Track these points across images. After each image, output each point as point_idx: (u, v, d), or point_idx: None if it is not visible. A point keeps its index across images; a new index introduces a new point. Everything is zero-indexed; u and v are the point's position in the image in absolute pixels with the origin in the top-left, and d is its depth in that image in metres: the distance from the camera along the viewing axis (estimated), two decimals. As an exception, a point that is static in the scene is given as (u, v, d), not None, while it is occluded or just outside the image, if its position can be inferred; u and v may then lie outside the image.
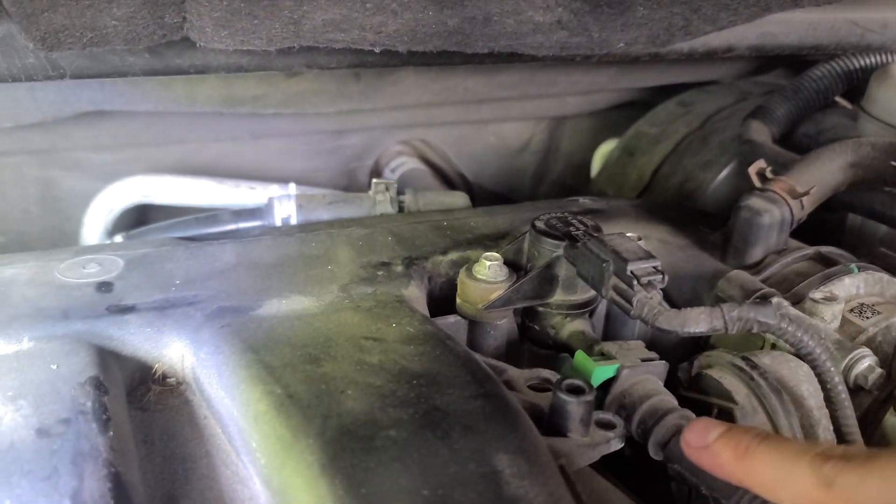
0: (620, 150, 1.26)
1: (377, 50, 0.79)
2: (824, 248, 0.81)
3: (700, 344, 0.76)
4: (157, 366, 0.63)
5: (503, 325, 0.72)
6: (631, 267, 0.62)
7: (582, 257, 0.66)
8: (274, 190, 1.11)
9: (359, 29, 0.75)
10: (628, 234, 0.68)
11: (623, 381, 0.62)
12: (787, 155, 0.93)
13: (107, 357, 0.60)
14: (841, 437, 0.63)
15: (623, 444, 0.58)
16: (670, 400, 0.62)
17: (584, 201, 0.95)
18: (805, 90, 1.06)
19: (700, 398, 0.66)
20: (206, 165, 1.19)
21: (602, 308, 0.76)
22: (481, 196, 1.38)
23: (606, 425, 0.58)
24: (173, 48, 0.77)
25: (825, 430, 0.63)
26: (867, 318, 0.72)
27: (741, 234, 0.79)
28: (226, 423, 0.58)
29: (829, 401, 0.63)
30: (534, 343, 0.73)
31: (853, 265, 0.77)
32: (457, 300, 0.71)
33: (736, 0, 0.85)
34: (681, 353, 0.72)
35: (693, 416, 0.60)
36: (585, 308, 0.71)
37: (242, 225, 0.96)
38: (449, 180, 1.33)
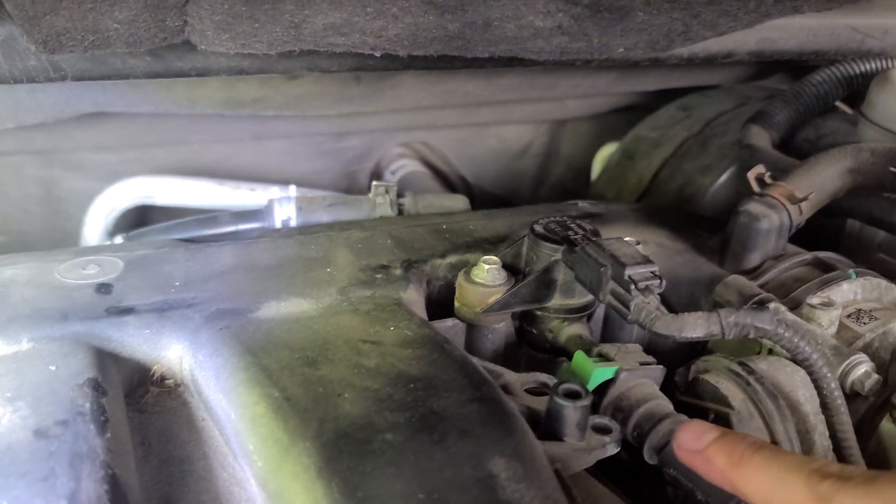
0: (620, 153, 1.26)
1: (378, 54, 0.79)
2: (822, 254, 0.81)
3: (697, 348, 0.76)
4: (155, 367, 0.63)
5: (501, 328, 0.72)
6: (628, 271, 0.62)
7: (580, 261, 0.66)
8: (274, 192, 1.11)
9: (359, 33, 0.75)
10: (626, 239, 0.68)
11: (621, 383, 0.62)
12: (786, 160, 0.93)
13: (105, 359, 0.60)
14: (837, 443, 0.63)
15: (619, 449, 0.58)
16: (667, 405, 0.62)
17: (584, 205, 0.95)
18: (805, 95, 1.06)
19: (696, 403, 0.67)
20: (207, 167, 1.19)
21: (600, 312, 0.76)
22: (482, 199, 1.38)
23: (603, 430, 0.58)
24: (174, 51, 0.77)
25: (821, 435, 0.63)
26: (864, 323, 0.72)
27: (739, 238, 0.80)
28: (223, 425, 0.58)
29: (826, 406, 0.63)
30: (532, 347, 0.73)
31: (851, 271, 0.77)
32: (455, 303, 0.71)
33: (736, 6, 0.85)
34: (678, 358, 0.72)
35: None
36: (583, 312, 0.72)
37: (242, 227, 0.96)
38: (450, 183, 1.33)
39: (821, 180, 0.82)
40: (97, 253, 0.73)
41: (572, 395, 0.55)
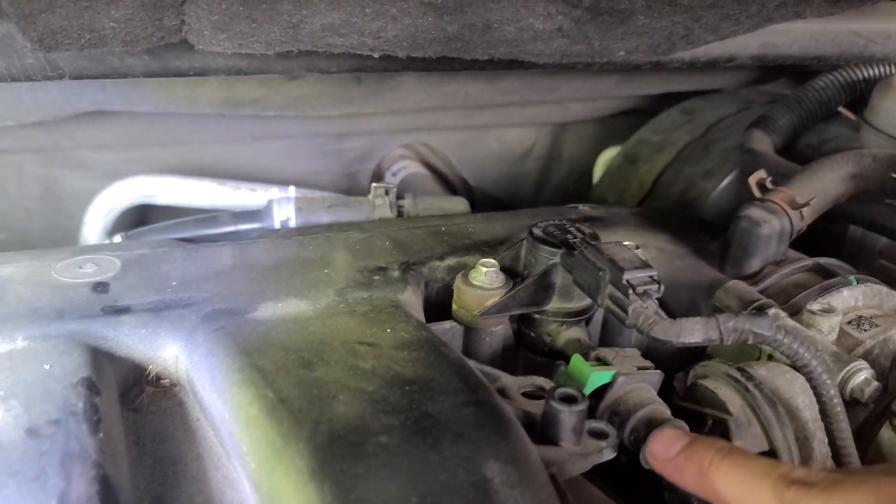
0: (622, 157, 1.26)
1: (376, 55, 0.79)
2: (823, 260, 0.80)
3: (696, 354, 0.75)
4: (151, 367, 0.62)
5: (499, 331, 0.72)
6: (627, 276, 0.62)
7: (578, 265, 0.66)
8: (274, 192, 1.11)
9: (358, 34, 0.75)
10: (626, 243, 0.68)
11: (618, 388, 0.62)
12: (788, 165, 0.93)
13: (101, 358, 0.60)
14: (836, 450, 0.62)
15: (615, 454, 0.58)
16: (664, 410, 0.61)
17: (584, 209, 0.95)
18: (808, 100, 1.06)
19: (695, 408, 0.66)
20: (207, 166, 1.19)
21: (599, 316, 0.76)
22: (483, 201, 1.38)
23: (599, 434, 0.57)
24: (172, 50, 0.77)
25: (820, 442, 0.62)
26: (865, 330, 0.72)
27: (740, 244, 0.79)
28: (218, 426, 0.57)
29: (825, 413, 0.63)
30: (529, 350, 0.73)
31: (852, 277, 0.76)
32: (453, 306, 0.71)
33: (737, 10, 0.85)
34: (676, 363, 0.72)
35: (686, 426, 0.59)
36: (582, 316, 0.71)
37: (241, 227, 0.96)
38: (451, 185, 1.33)
39: (822, 186, 0.82)
40: (94, 252, 0.72)
41: (568, 400, 0.55)
